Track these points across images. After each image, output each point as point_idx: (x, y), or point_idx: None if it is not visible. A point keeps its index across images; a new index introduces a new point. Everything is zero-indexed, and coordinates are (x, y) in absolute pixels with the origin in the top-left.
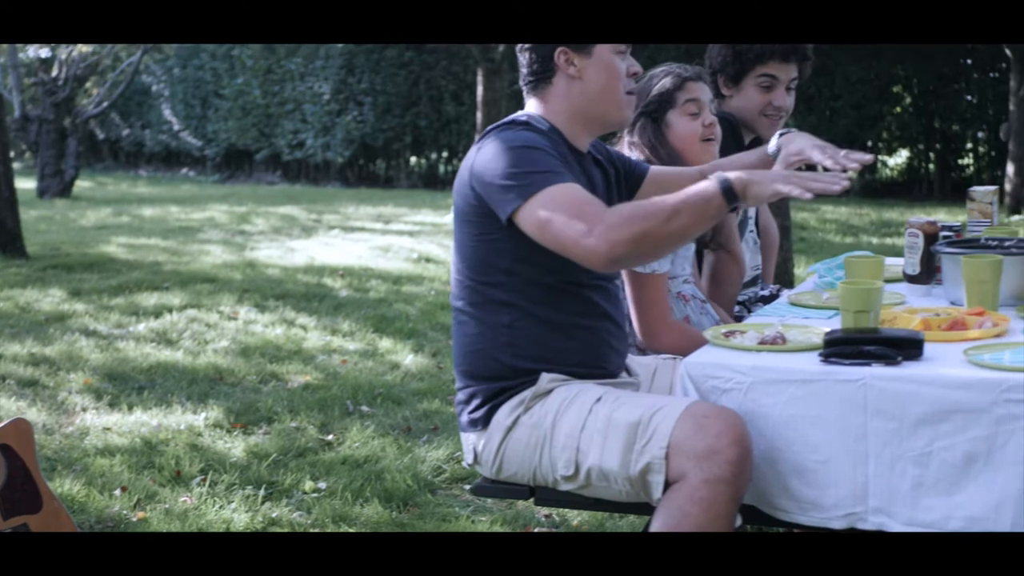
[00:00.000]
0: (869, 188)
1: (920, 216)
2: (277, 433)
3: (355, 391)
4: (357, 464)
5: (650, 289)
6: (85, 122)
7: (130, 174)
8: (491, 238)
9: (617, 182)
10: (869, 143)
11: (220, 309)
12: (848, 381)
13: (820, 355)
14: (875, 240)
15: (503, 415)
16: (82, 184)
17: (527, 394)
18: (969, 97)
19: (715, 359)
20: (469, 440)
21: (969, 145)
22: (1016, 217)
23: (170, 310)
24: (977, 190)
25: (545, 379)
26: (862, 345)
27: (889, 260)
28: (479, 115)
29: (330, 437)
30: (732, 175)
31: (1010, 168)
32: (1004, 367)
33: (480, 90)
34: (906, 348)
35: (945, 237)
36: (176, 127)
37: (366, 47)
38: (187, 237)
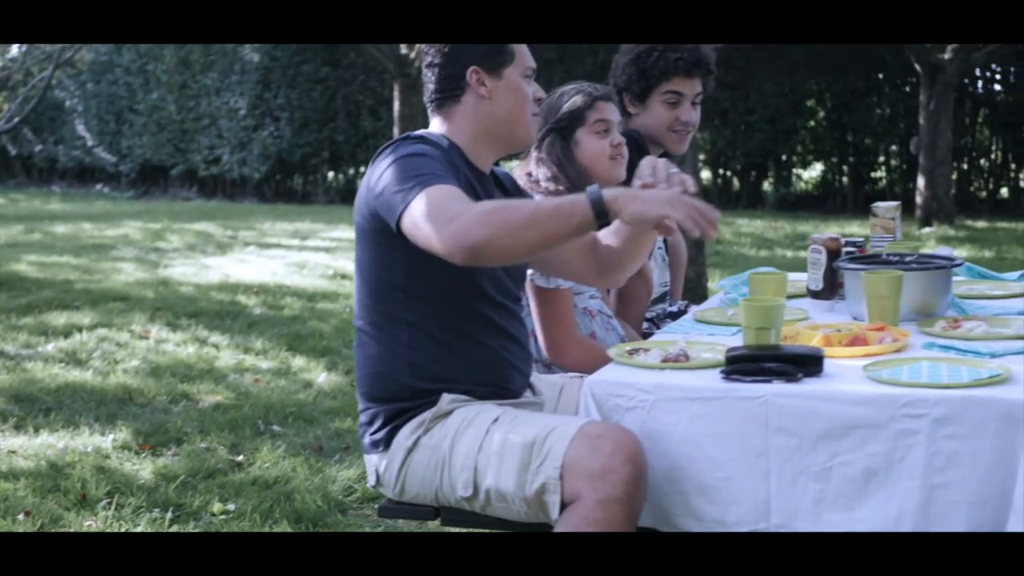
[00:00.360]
0: (784, 201)
1: (823, 232)
2: (186, 454)
3: (267, 410)
4: (267, 485)
5: (555, 304)
6: None
7: (43, 191)
8: (387, 254)
9: None
10: (784, 156)
11: (131, 328)
12: (749, 398)
13: (722, 372)
14: (789, 253)
15: (404, 436)
16: None
17: (427, 415)
18: (881, 111)
19: (618, 377)
20: (372, 461)
21: (881, 159)
22: (927, 229)
23: (80, 329)
24: (880, 206)
25: (445, 400)
26: (763, 362)
27: (793, 276)
28: (396, 130)
29: (240, 458)
30: (609, 191)
31: (921, 181)
32: (902, 383)
33: (397, 105)
34: (806, 365)
35: (848, 253)
36: (90, 143)
37: (282, 62)
38: (100, 255)
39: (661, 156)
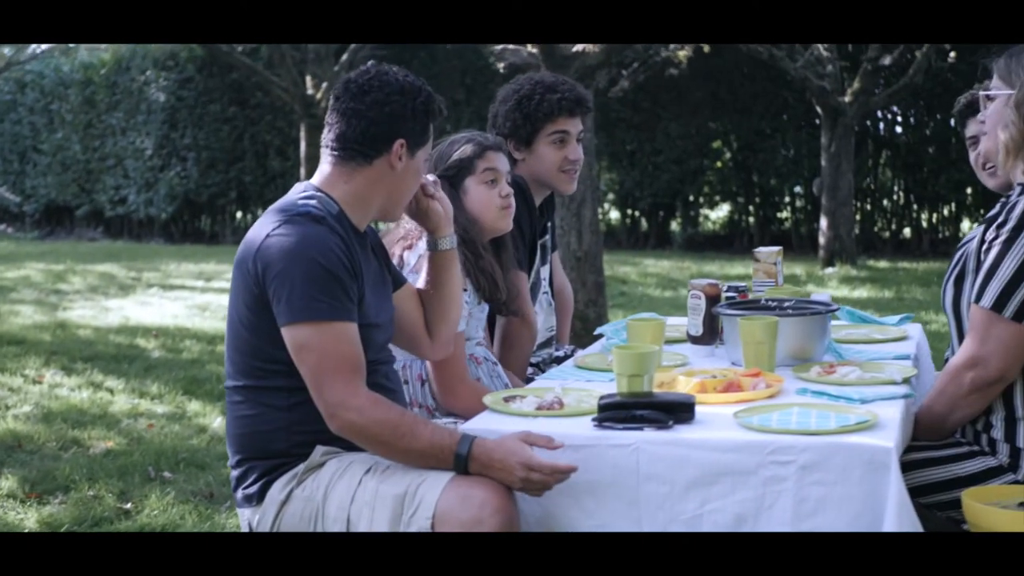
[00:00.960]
0: (691, 241)
1: (702, 278)
2: (73, 502)
3: (158, 456)
4: (154, 532)
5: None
6: None
7: None
8: (267, 328)
9: (383, 265)
10: (691, 197)
11: (25, 372)
12: (620, 446)
13: (593, 420)
14: None
15: (276, 490)
16: None
17: (300, 467)
18: (785, 152)
19: (491, 426)
20: (245, 515)
21: (787, 199)
22: (830, 270)
23: None
24: (761, 251)
25: (318, 452)
26: (635, 409)
27: (673, 320)
28: (303, 171)
29: (128, 505)
30: (477, 451)
31: (823, 222)
32: (771, 429)
33: (303, 146)
34: (678, 412)
35: (729, 298)
36: None
37: (188, 102)
38: None
39: (549, 197)
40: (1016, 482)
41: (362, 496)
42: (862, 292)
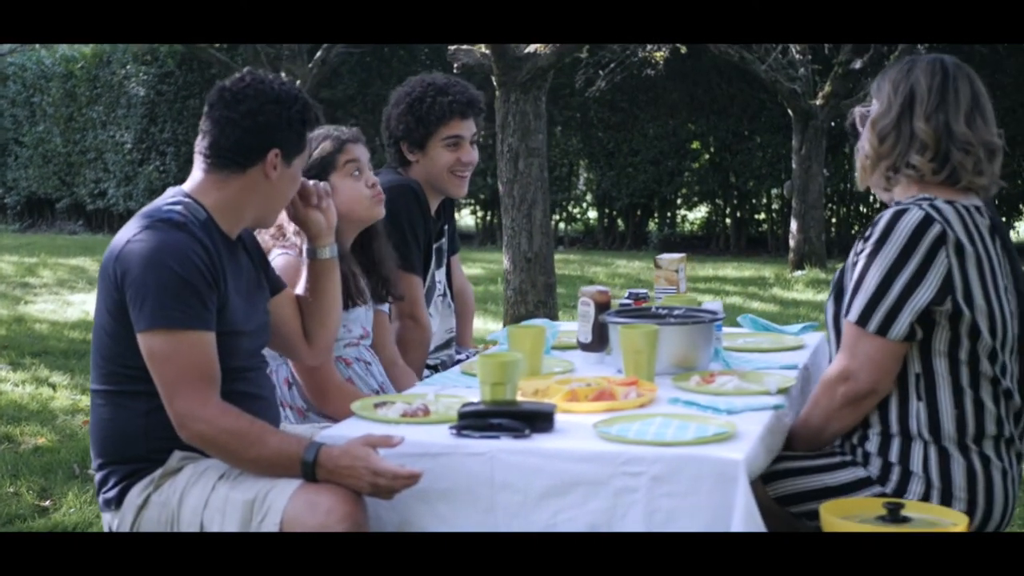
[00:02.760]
0: (668, 242)
1: (592, 286)
2: None
3: (85, 454)
4: (65, 530)
5: None
6: None
7: None
8: (126, 335)
9: (259, 272)
10: (668, 198)
11: None
12: (476, 454)
13: (451, 428)
14: None
15: (135, 494)
16: None
17: (157, 472)
18: (762, 154)
19: (351, 432)
20: (106, 520)
21: (764, 201)
22: (799, 272)
23: None
24: (663, 257)
25: (176, 457)
26: (493, 418)
27: (566, 326)
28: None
29: (47, 503)
30: (323, 458)
31: (794, 225)
32: (626, 440)
33: None
34: (537, 421)
35: (623, 304)
36: None
37: (168, 97)
38: None
39: (446, 201)
40: (883, 495)
41: (214, 502)
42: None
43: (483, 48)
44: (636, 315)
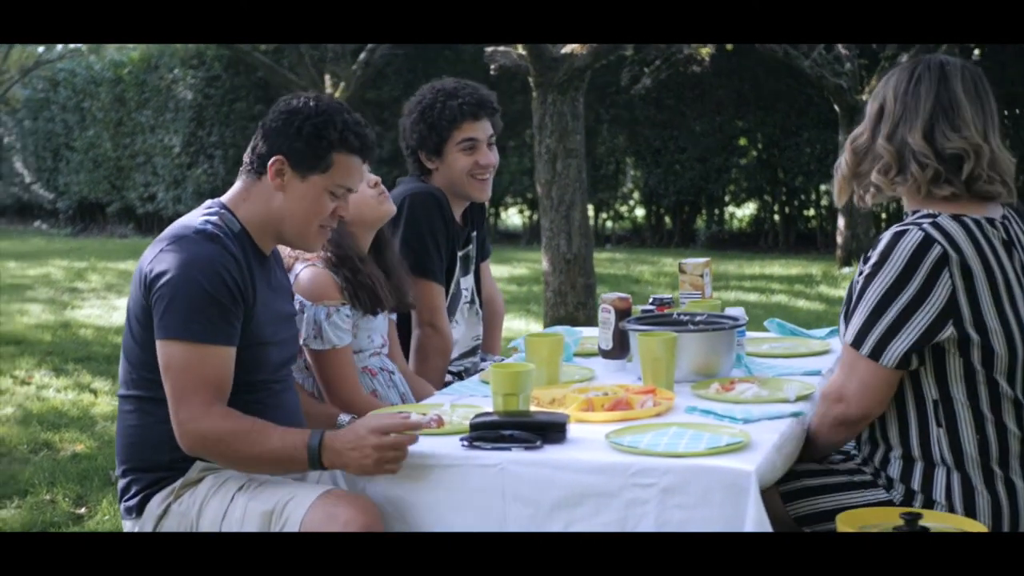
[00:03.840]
0: (716, 239)
1: (613, 292)
2: (29, 507)
3: None
4: None
5: (334, 365)
6: None
7: None
8: (153, 340)
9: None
10: (716, 195)
11: (15, 373)
12: (487, 466)
13: (462, 439)
14: None
15: (155, 504)
16: None
17: (178, 483)
18: (811, 150)
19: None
20: (127, 527)
21: (813, 197)
22: (847, 269)
23: None
24: (688, 263)
25: (197, 468)
26: (505, 429)
27: (589, 332)
28: None
29: (83, 510)
30: (329, 440)
31: (841, 221)
32: (638, 451)
33: None
34: (549, 431)
35: (646, 311)
36: (28, 179)
37: (215, 100)
38: (12, 295)
39: (475, 206)
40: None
41: (233, 513)
42: None
43: (520, 49)
44: (656, 322)
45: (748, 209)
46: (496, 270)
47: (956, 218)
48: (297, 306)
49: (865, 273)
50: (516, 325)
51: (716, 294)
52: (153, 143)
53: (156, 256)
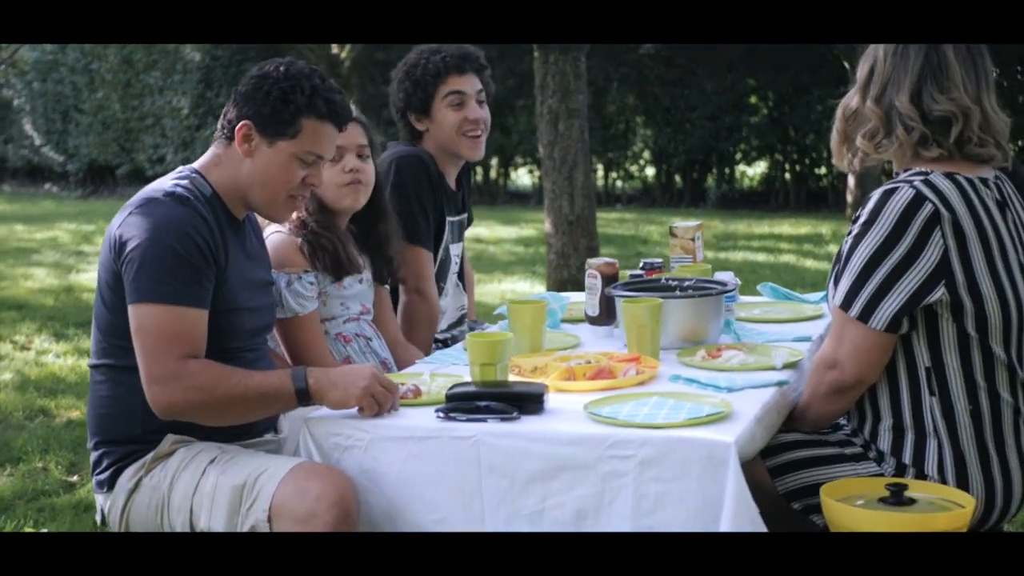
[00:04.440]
0: (726, 198)
1: (600, 257)
2: (21, 475)
3: None
4: (85, 508)
5: (299, 331)
6: None
7: None
8: (123, 306)
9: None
10: (727, 153)
11: (15, 339)
12: (462, 438)
13: (438, 411)
14: (710, 254)
15: (126, 477)
16: None
17: (149, 456)
18: (822, 108)
19: (338, 416)
20: (99, 501)
21: (825, 155)
22: None
23: None
24: (679, 226)
25: (168, 440)
26: (481, 400)
27: (576, 297)
28: None
29: (75, 478)
30: (312, 378)
31: (851, 179)
32: (616, 422)
33: None
34: (526, 402)
35: (635, 276)
36: (37, 142)
37: (223, 61)
38: (18, 259)
39: (465, 169)
40: None
41: (204, 487)
42: None
43: None
44: (643, 288)
45: (759, 168)
46: (503, 231)
47: (949, 176)
48: None
49: (854, 233)
50: (521, 287)
51: (725, 254)
52: (162, 105)
53: (125, 220)
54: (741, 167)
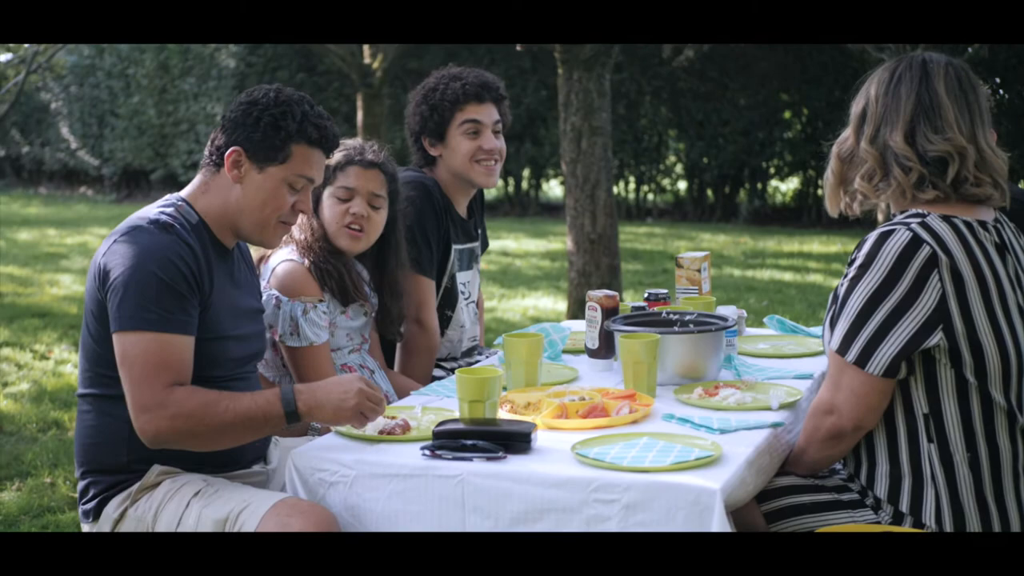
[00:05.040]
0: (758, 214)
1: (600, 290)
2: (28, 489)
3: None
4: None
5: (310, 361)
6: None
7: (29, 192)
8: (109, 335)
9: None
10: (759, 168)
11: (35, 347)
12: (447, 477)
13: (423, 448)
14: (737, 272)
15: (112, 507)
16: None
17: (135, 487)
18: None
19: (323, 451)
20: (85, 530)
21: None
22: None
23: None
24: (686, 256)
25: (154, 471)
26: (468, 438)
27: (579, 326)
28: (359, 140)
29: None
30: (300, 397)
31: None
32: (602, 464)
33: (360, 115)
34: (514, 441)
35: (636, 308)
36: (73, 145)
37: (257, 68)
38: (47, 265)
39: (477, 197)
40: None
41: (187, 520)
42: None
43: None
44: (642, 322)
45: (792, 183)
46: (531, 244)
47: (946, 219)
48: (273, 300)
49: (850, 276)
50: (543, 304)
51: (752, 272)
52: (196, 111)
53: (110, 248)
54: (774, 182)
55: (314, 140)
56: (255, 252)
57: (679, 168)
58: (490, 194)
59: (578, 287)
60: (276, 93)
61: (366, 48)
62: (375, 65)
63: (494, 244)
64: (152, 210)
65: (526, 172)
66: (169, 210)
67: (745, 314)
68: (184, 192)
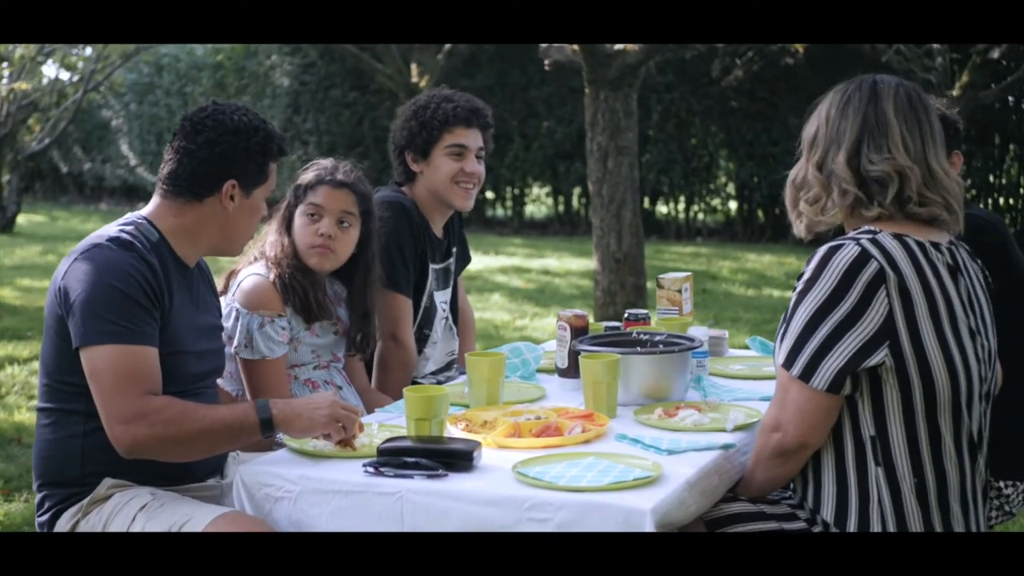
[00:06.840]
0: None
1: (570, 309)
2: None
3: None
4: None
5: (264, 375)
6: (28, 158)
7: (90, 208)
8: (65, 350)
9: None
10: None
11: None
12: (387, 494)
13: (366, 465)
14: (776, 293)
15: (64, 520)
16: (34, 219)
17: (86, 500)
18: None
19: (267, 466)
20: None
21: None
22: None
23: (15, 361)
24: (667, 277)
25: (105, 484)
26: (411, 455)
27: (551, 346)
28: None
29: None
30: (276, 409)
31: None
32: (539, 483)
33: None
34: (456, 459)
35: (610, 329)
36: (133, 162)
37: (311, 87)
38: None
39: (455, 218)
40: None
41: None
42: None
43: (573, 46)
44: (609, 342)
45: None
46: (573, 263)
47: (897, 237)
48: (233, 313)
49: (798, 290)
50: None
51: (783, 292)
52: None
53: (70, 266)
54: None
55: (278, 153)
56: (226, 265)
57: (730, 188)
58: (540, 212)
59: (603, 306)
60: (251, 120)
61: (413, 67)
62: (422, 84)
63: (535, 263)
64: (112, 228)
65: (576, 190)
66: (129, 228)
67: (727, 335)
68: (146, 212)
